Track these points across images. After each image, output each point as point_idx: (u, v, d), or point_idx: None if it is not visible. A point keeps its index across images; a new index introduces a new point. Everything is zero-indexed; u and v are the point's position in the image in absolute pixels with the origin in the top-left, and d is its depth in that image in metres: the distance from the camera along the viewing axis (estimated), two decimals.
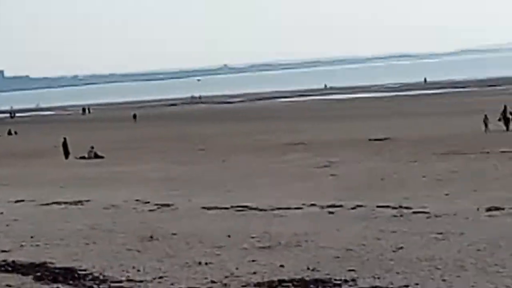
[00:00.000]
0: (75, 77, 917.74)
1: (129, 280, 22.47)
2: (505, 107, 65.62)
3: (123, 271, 23.71)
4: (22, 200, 41.64)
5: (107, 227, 31.57)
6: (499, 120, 63.98)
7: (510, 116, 63.88)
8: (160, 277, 22.65)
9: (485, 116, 63.72)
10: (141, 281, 22.26)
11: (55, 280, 23.01)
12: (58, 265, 24.64)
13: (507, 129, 62.60)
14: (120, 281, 22.54)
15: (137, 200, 38.80)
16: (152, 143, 78.27)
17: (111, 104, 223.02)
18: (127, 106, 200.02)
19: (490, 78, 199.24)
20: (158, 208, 36.03)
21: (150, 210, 35.81)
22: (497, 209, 29.99)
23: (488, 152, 50.01)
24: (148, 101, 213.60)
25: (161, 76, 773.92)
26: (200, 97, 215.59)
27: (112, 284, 22.16)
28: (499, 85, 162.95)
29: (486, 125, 63.21)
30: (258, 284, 21.10)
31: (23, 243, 29.11)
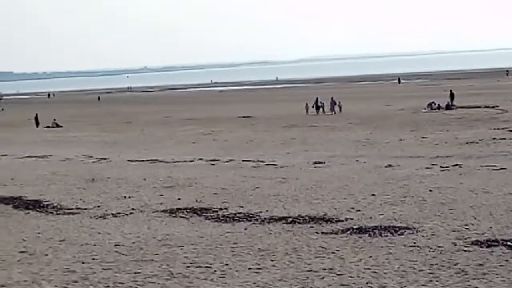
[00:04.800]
0: (44, 73, 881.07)
1: (77, 208, 23.26)
2: (316, 98, 65.79)
3: (73, 202, 24.37)
4: (5, 155, 40.90)
5: (63, 173, 31.89)
6: (313, 107, 64.05)
7: (320, 105, 64.16)
8: (98, 206, 23.28)
9: (306, 104, 64.03)
10: (85, 209, 22.98)
11: (27, 208, 23.56)
12: (29, 198, 25.23)
13: (318, 113, 62.57)
14: (71, 209, 23.28)
15: (83, 155, 38.66)
16: (94, 118, 76.14)
17: (66, 91, 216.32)
18: (77, 93, 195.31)
19: (318, 78, 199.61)
20: (98, 160, 36.27)
21: (93, 162, 35.94)
22: (320, 162, 30.54)
23: (315, 126, 50.34)
24: (91, 90, 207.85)
25: (98, 73, 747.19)
26: (129, 88, 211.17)
27: (66, 211, 22.93)
28: (324, 82, 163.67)
29: (306, 110, 63.34)
30: (164, 210, 22.04)
31: (6, 184, 29.18)
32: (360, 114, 59.29)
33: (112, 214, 21.54)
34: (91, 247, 17.16)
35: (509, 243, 15.43)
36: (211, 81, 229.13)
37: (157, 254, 16.22)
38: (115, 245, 17.23)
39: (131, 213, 21.54)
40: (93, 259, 16.10)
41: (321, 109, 63.80)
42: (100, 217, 21.21)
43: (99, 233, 18.86)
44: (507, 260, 14.27)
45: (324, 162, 30.50)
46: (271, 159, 32.59)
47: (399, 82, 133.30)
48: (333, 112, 62.40)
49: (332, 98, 65.86)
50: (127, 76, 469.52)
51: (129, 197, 24.38)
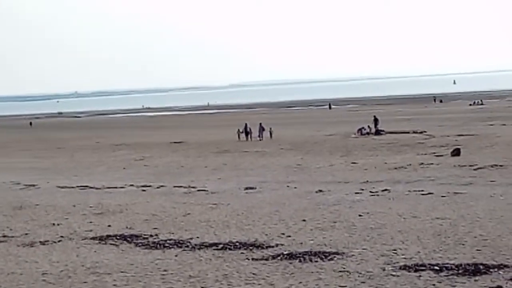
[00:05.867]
0: None
1: (4, 236, 22.68)
2: (245, 124, 65.42)
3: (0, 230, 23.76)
4: None
5: None
6: (242, 132, 63.81)
7: (248, 130, 63.82)
8: (26, 234, 22.80)
9: (238, 130, 63.91)
10: (12, 236, 22.47)
11: None
12: None
13: (247, 139, 62.30)
14: None
15: (11, 181, 37.81)
16: (23, 144, 74.54)
17: None
18: (6, 118, 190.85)
19: (250, 103, 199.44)
20: (26, 187, 35.55)
21: (21, 189, 35.19)
22: (251, 188, 30.63)
23: (247, 152, 50.37)
24: (20, 115, 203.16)
25: (28, 98, 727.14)
26: (60, 113, 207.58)
27: None
28: (256, 108, 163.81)
29: (238, 136, 63.11)
30: (93, 238, 21.78)
31: None
32: (291, 139, 59.55)
33: (40, 242, 21.11)
34: (17, 276, 16.80)
35: (436, 267, 15.66)
36: (142, 106, 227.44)
37: (85, 282, 16.01)
38: (43, 274, 16.91)
39: (59, 241, 21.16)
40: None
41: (249, 135, 63.91)
42: (28, 245, 20.76)
43: (26, 261, 18.47)
44: (434, 285, 14.46)
45: (255, 188, 30.53)
46: (202, 185, 32.53)
47: (330, 107, 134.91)
48: (261, 138, 62.37)
49: (260, 124, 65.91)
50: (57, 101, 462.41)
51: (58, 224, 23.98)
